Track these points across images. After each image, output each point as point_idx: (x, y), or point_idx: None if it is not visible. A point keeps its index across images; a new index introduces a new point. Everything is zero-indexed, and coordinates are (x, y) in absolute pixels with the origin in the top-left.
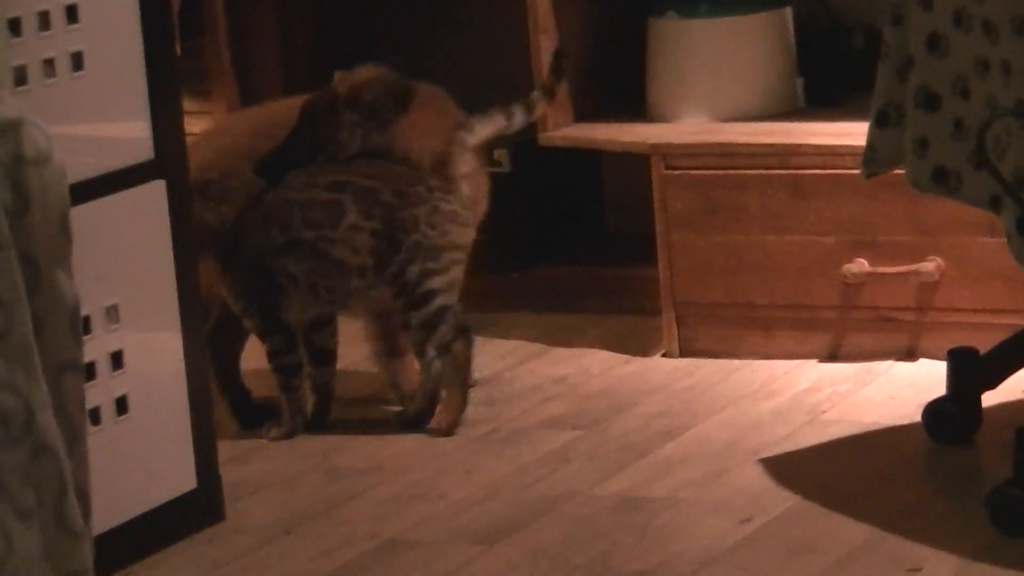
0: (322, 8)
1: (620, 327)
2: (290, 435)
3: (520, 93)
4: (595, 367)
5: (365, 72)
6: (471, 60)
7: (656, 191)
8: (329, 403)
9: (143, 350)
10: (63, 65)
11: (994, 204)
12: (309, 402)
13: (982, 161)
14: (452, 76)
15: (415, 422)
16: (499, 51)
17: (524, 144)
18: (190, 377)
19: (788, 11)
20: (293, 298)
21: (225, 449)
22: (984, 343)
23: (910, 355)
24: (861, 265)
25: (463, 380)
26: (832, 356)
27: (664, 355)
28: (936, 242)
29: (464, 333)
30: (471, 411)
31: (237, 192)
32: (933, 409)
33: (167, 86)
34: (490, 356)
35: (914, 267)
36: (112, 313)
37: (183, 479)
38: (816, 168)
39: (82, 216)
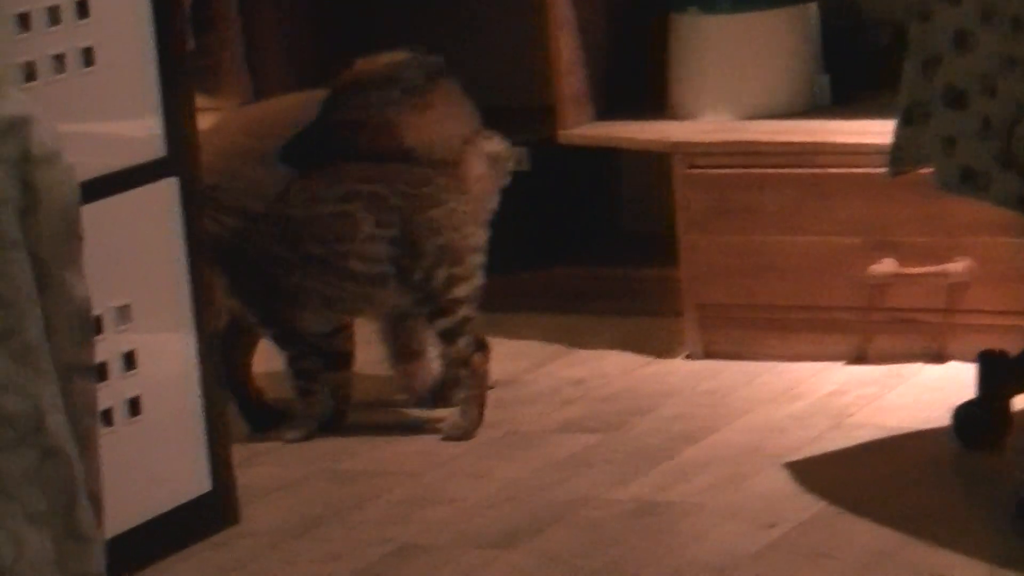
0: (332, 3)
1: (638, 329)
2: (307, 437)
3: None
4: (613, 369)
5: (390, 56)
6: (481, 58)
7: (677, 190)
8: (347, 406)
9: (156, 350)
10: (73, 61)
11: (1023, 204)
12: (326, 405)
13: (1010, 160)
14: (461, 74)
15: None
16: (510, 48)
17: (542, 142)
18: (204, 378)
19: (813, 7)
20: (308, 312)
21: (235, 452)
22: (1013, 345)
23: (938, 358)
24: (889, 266)
25: (480, 392)
26: (858, 359)
27: (686, 357)
28: (960, 243)
29: (481, 346)
30: (486, 414)
31: (241, 197)
32: (962, 413)
33: (179, 82)
34: (507, 358)
35: (943, 268)
36: (124, 313)
37: (197, 482)
38: (840, 167)
39: (92, 215)
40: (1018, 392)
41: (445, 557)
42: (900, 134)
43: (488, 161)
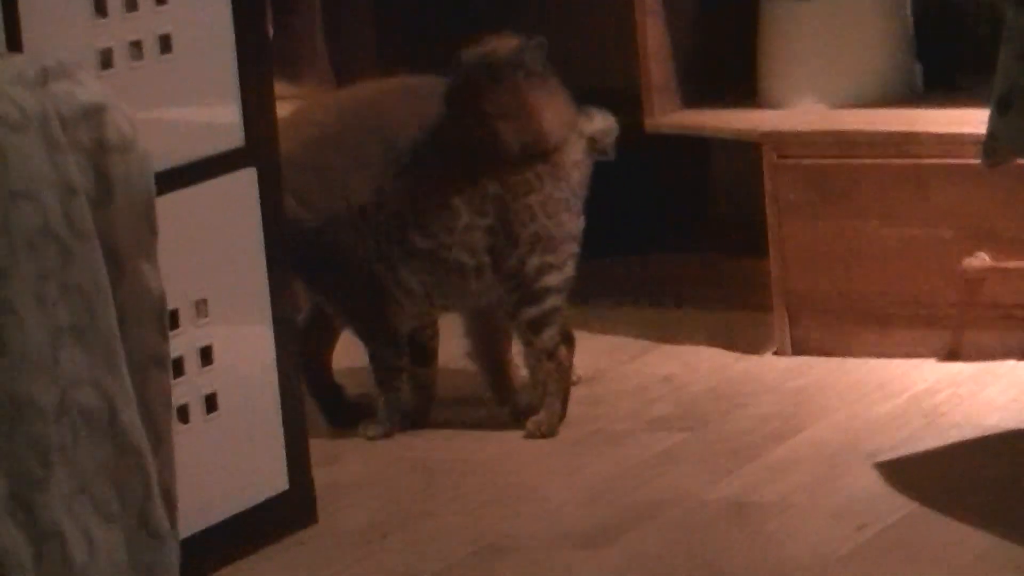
0: None
1: (728, 322)
2: (388, 434)
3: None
4: (702, 365)
5: (498, 40)
6: (567, 42)
7: (767, 181)
8: (430, 403)
9: (233, 345)
10: (150, 47)
11: None
12: (408, 401)
13: None
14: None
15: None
16: (597, 33)
17: (631, 127)
18: (281, 373)
19: None
20: (406, 308)
21: (316, 449)
22: None
23: None
24: (982, 259)
25: (564, 387)
26: (952, 355)
27: (775, 353)
28: None
29: (567, 339)
30: (573, 410)
31: (330, 189)
32: None
33: (258, 69)
34: (593, 352)
35: None
36: (201, 307)
37: (274, 480)
38: (935, 157)
39: (169, 205)
40: None
41: (533, 557)
42: (995, 123)
43: (587, 146)
